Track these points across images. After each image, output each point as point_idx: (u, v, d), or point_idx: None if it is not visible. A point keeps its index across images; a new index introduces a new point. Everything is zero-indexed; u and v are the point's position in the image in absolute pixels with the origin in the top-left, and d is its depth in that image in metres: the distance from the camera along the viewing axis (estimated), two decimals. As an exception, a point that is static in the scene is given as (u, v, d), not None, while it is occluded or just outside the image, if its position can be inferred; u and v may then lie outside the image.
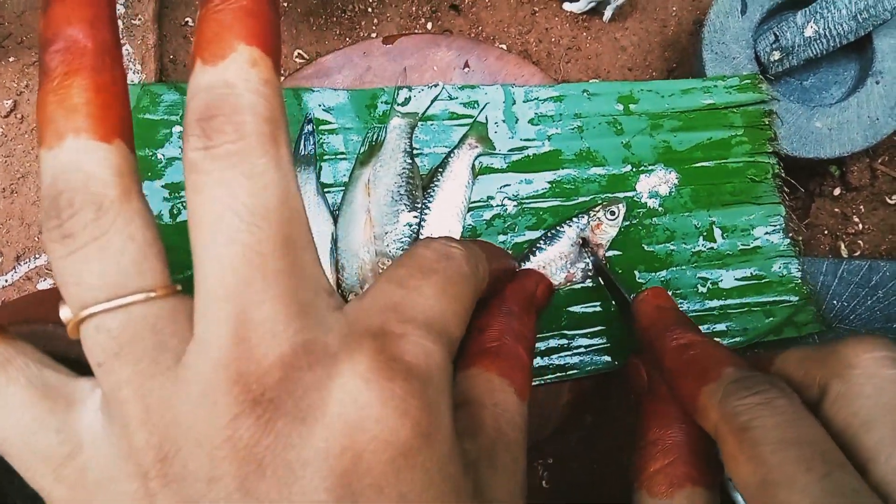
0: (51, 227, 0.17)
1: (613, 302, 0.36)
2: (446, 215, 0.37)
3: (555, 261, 0.37)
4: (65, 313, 0.17)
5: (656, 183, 0.39)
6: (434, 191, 0.37)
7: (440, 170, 0.37)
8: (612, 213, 0.37)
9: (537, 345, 0.36)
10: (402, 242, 0.36)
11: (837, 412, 0.21)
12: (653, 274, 0.38)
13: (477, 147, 0.38)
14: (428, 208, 0.37)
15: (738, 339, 0.37)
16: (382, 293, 0.19)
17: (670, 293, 0.37)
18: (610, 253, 0.38)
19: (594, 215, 0.37)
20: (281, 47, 0.19)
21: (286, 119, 0.18)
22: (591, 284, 0.37)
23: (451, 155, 0.38)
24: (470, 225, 0.38)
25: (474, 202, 0.38)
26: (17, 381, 0.18)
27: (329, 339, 0.17)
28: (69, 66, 0.17)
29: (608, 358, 0.37)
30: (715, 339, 0.36)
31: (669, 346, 0.26)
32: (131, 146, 0.18)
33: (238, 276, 0.16)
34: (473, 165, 0.38)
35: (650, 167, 0.39)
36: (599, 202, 0.38)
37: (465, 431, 0.20)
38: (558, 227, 0.37)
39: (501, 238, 0.38)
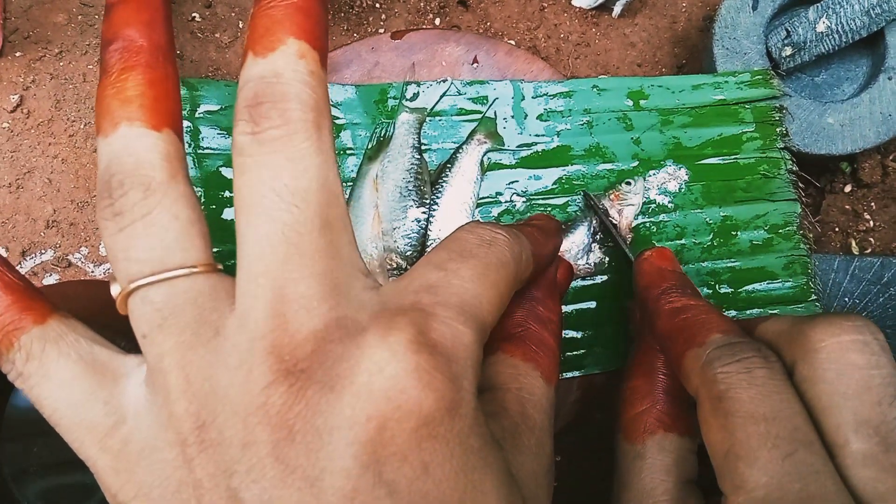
0: (103, 207, 0.18)
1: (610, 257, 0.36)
2: (455, 211, 0.37)
3: (568, 250, 0.36)
4: (114, 289, 0.19)
5: (665, 179, 0.38)
6: (442, 186, 0.37)
7: (448, 165, 0.37)
8: (629, 182, 0.37)
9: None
10: (410, 238, 0.36)
11: (803, 394, 0.21)
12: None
13: (486, 143, 0.38)
14: (436, 204, 0.37)
15: (749, 336, 0.37)
16: (419, 275, 0.20)
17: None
18: (620, 249, 0.37)
19: (611, 191, 0.37)
20: (328, 43, 0.20)
21: (330, 109, 0.19)
22: (601, 280, 0.37)
23: (460, 150, 0.37)
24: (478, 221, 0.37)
25: (483, 198, 0.38)
26: (68, 356, 0.19)
27: (361, 315, 0.18)
28: (126, 62, 0.19)
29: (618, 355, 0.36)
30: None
31: (663, 309, 0.26)
32: (180, 135, 0.19)
33: (277, 254, 0.17)
34: (482, 161, 0.37)
35: (661, 163, 0.38)
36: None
37: (489, 414, 0.20)
38: (571, 220, 0.37)
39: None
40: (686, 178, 0.38)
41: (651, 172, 0.38)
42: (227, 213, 0.36)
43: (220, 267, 0.19)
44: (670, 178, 0.38)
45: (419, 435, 0.16)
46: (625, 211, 0.37)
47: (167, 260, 0.18)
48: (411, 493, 0.16)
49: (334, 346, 0.17)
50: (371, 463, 0.16)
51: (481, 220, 0.23)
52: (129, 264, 0.18)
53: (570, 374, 0.36)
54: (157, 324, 0.17)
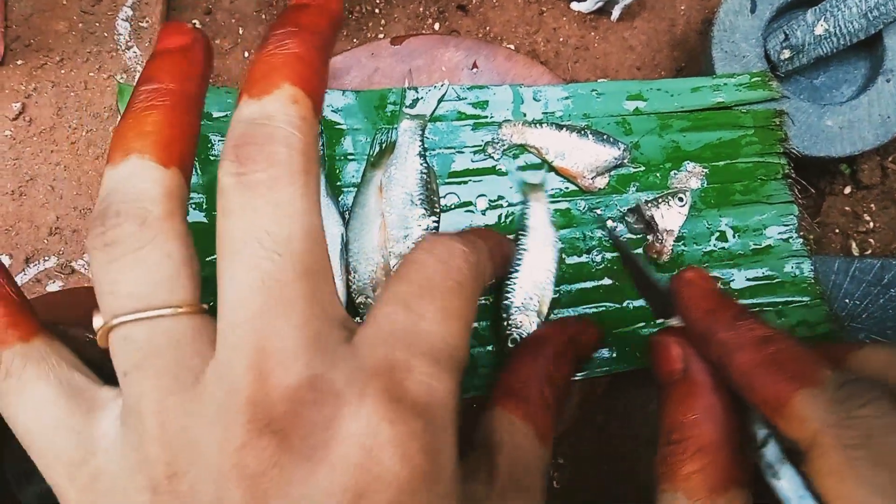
0: (95, 235, 0.18)
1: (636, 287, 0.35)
2: (540, 278, 0.36)
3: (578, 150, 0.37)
4: (97, 321, 0.18)
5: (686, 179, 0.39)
6: (522, 253, 0.36)
7: (521, 232, 0.36)
8: (681, 199, 0.37)
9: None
10: None
11: None
12: (664, 274, 0.38)
13: (541, 197, 0.37)
14: (517, 270, 0.36)
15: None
16: (387, 317, 0.19)
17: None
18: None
19: (663, 201, 0.37)
20: (324, 95, 0.20)
21: (319, 156, 0.19)
22: (606, 283, 0.37)
23: (524, 216, 0.37)
24: (481, 224, 0.37)
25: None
26: (47, 378, 0.18)
27: (336, 375, 0.18)
28: (151, 101, 0.19)
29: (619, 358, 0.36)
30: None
31: (746, 338, 0.23)
32: (187, 178, 0.20)
33: (256, 303, 0.17)
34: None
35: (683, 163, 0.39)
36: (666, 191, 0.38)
37: (480, 473, 0.20)
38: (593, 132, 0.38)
39: (511, 237, 0.37)
40: (704, 176, 0.39)
41: (673, 173, 0.38)
42: (229, 220, 0.36)
43: (206, 307, 0.19)
44: (691, 177, 0.39)
45: None
46: (671, 223, 0.37)
47: (153, 298, 0.18)
48: None
49: (309, 410, 0.17)
50: None
51: (435, 234, 0.23)
52: (113, 298, 0.18)
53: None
54: (137, 363, 0.17)
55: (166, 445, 0.17)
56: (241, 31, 0.43)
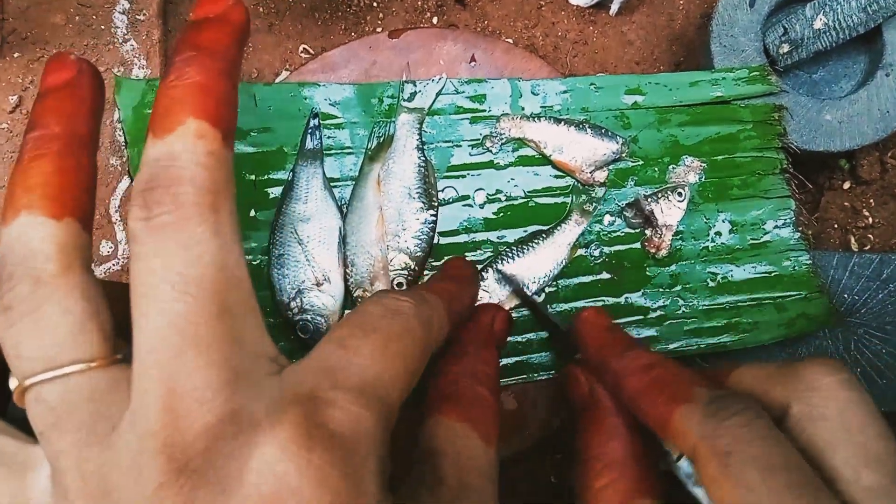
0: None
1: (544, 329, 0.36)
2: (526, 272, 0.36)
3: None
4: (12, 382, 0.18)
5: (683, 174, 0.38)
6: (527, 249, 0.36)
7: (543, 235, 0.37)
8: (680, 194, 0.37)
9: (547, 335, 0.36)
10: (420, 240, 0.36)
11: (800, 433, 0.22)
12: (662, 268, 0.38)
13: (583, 223, 0.37)
14: (511, 259, 0.36)
15: (749, 333, 0.37)
16: (320, 355, 0.19)
17: (679, 287, 0.37)
18: (620, 247, 0.38)
19: (662, 196, 0.37)
20: (235, 119, 0.19)
21: (231, 190, 0.18)
22: (604, 277, 0.37)
23: (557, 228, 0.37)
24: (479, 218, 0.37)
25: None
26: None
27: (257, 406, 0.17)
28: (38, 150, 0.19)
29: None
30: (730, 334, 0.36)
31: (632, 366, 0.25)
32: (85, 224, 0.19)
33: (169, 346, 0.17)
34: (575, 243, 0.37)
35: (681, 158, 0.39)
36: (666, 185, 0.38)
37: (427, 483, 0.20)
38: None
39: (509, 231, 0.37)
40: (702, 170, 0.39)
41: (671, 167, 0.38)
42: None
43: (120, 357, 0.18)
44: (689, 171, 0.38)
45: None
46: (670, 217, 0.37)
47: (59, 357, 0.17)
48: None
49: (226, 443, 0.16)
50: None
51: (387, 290, 0.23)
52: (20, 361, 0.17)
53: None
54: (52, 423, 0.17)
55: (89, 498, 0.17)
56: (238, 25, 0.43)
